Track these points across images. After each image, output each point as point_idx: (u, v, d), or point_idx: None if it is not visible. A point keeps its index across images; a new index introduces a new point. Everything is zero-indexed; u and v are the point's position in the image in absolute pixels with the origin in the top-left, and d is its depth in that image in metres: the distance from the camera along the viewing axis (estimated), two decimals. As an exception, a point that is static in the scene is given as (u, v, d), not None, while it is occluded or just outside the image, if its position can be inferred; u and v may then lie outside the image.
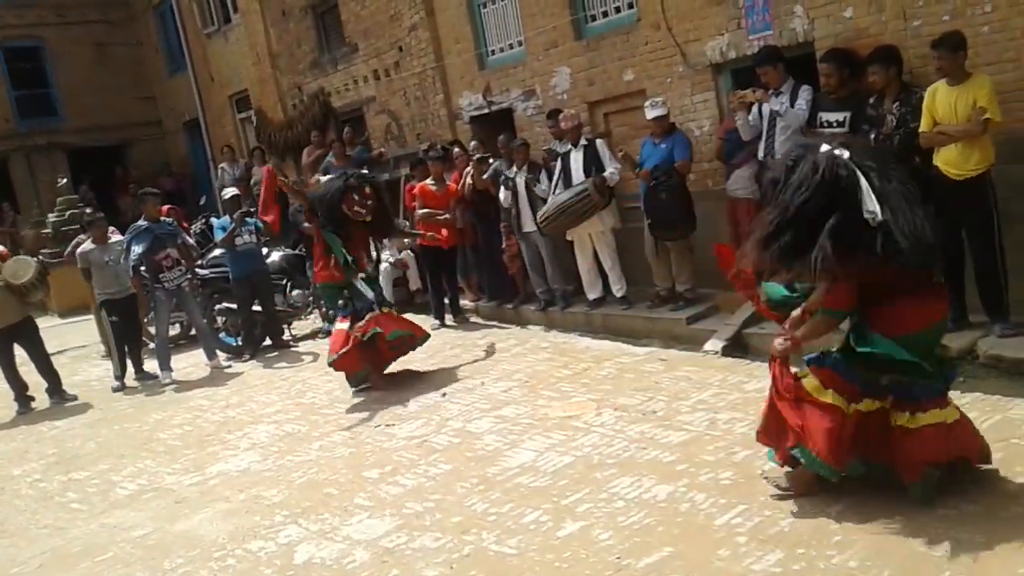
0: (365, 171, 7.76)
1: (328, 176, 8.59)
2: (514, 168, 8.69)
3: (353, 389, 7.37)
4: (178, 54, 19.03)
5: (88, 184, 18.37)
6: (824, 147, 3.75)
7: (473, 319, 9.63)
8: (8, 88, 19.70)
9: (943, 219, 5.63)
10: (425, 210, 9.27)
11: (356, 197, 7.10)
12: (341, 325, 7.29)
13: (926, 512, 3.76)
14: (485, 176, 8.93)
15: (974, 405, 4.87)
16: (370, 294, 7.27)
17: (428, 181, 9.42)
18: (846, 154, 3.69)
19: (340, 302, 7.36)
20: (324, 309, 9.60)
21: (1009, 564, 3.29)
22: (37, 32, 20.01)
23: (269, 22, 14.67)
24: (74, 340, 11.53)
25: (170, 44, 19.74)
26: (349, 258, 7.19)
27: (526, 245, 8.85)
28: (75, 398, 8.68)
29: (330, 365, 7.26)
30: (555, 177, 8.24)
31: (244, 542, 4.75)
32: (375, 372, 7.40)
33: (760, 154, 6.93)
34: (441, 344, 8.61)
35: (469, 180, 9.18)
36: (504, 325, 9.13)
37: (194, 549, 4.76)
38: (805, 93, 6.59)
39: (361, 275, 7.34)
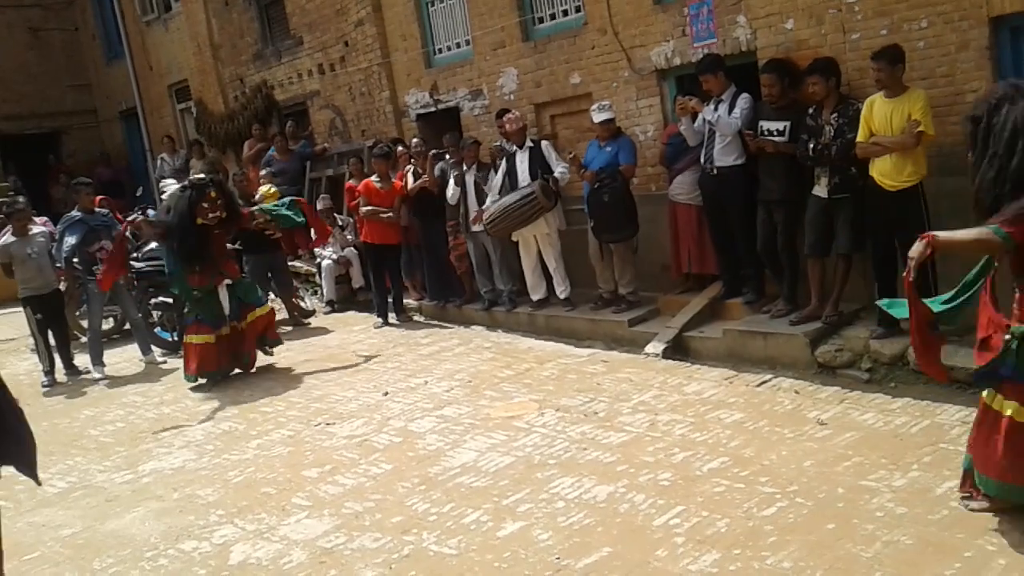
0: (201, 176, 7.86)
1: (171, 194, 8.28)
2: (463, 166, 8.68)
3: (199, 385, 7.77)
4: (116, 41, 18.53)
5: (18, 173, 17.78)
6: None
7: (417, 318, 9.60)
8: (-64, 72, 18.97)
9: (877, 228, 5.85)
10: (369, 207, 9.19)
11: (205, 205, 7.44)
12: (193, 337, 7.72)
13: (857, 514, 3.86)
14: (435, 174, 8.90)
15: (904, 410, 5.03)
16: (227, 307, 7.69)
17: (373, 178, 9.34)
18: None
19: (196, 299, 7.71)
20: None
21: (938, 565, 3.40)
22: (-33, 14, 19.32)
23: (211, 12, 14.38)
24: (1, 333, 11.17)
25: (108, 31, 19.20)
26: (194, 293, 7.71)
27: (474, 244, 8.84)
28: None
29: (192, 378, 7.78)
30: (500, 178, 8.25)
31: (177, 542, 4.66)
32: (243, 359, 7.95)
33: (701, 160, 7.04)
34: (384, 343, 8.56)
35: (411, 178, 9.14)
36: (448, 324, 9.11)
37: (125, 548, 4.65)
38: (742, 102, 6.72)
39: (227, 282, 7.76)
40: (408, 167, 9.32)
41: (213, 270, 7.66)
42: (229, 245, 10.11)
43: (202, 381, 7.78)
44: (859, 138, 5.82)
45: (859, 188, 5.98)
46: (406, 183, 9.18)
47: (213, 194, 7.48)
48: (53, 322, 8.63)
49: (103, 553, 4.64)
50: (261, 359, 8.18)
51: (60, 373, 8.74)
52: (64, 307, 8.72)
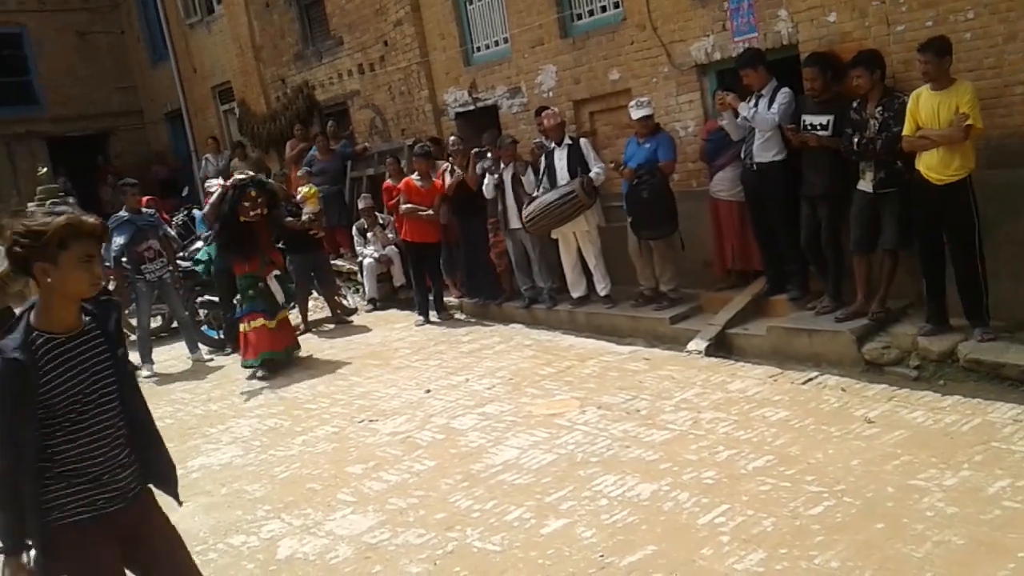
0: (242, 176, 8.24)
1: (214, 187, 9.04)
2: (501, 165, 8.69)
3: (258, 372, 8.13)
4: (160, 44, 18.86)
5: (67, 174, 18.16)
6: None
7: (457, 316, 9.64)
8: (-13, 75, 19.46)
9: (925, 223, 5.76)
10: (409, 205, 9.25)
11: (247, 203, 7.87)
12: (247, 325, 8.13)
13: (907, 514, 3.81)
14: (476, 171, 8.94)
15: (954, 408, 4.95)
16: (280, 296, 8.22)
17: (413, 176, 9.39)
18: None
19: (251, 292, 8.10)
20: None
21: (991, 565, 3.34)
22: (18, 19, 19.73)
23: (252, 14, 14.56)
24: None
25: (152, 33, 19.54)
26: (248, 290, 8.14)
27: (512, 242, 8.85)
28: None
29: (249, 363, 8.18)
30: (540, 175, 8.25)
31: (226, 536, 4.74)
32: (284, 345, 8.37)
33: (741, 155, 6.98)
34: (425, 340, 8.61)
35: (447, 176, 9.16)
36: (488, 322, 9.13)
37: (176, 544, 4.74)
38: (781, 97, 6.64)
39: (276, 272, 8.24)
40: (445, 165, 9.35)
41: (262, 259, 8.10)
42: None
43: (259, 369, 8.15)
44: (905, 132, 5.72)
45: (905, 182, 5.89)
46: (444, 181, 9.22)
47: (253, 193, 7.90)
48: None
49: (154, 547, 4.73)
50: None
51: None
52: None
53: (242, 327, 8.17)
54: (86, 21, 20.48)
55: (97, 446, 2.70)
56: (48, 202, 13.75)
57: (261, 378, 8.02)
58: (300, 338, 9.45)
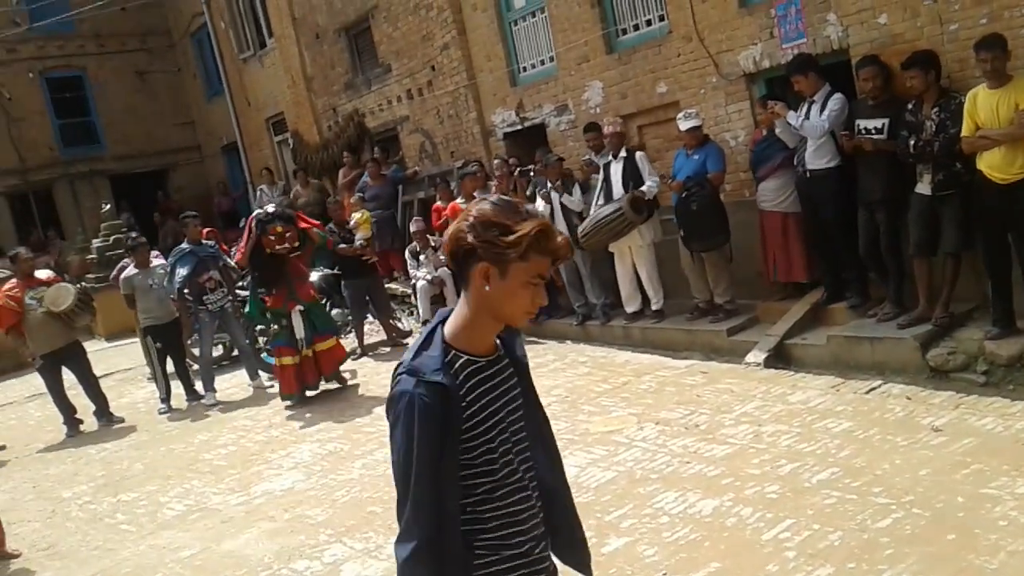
0: (271, 209, 8.23)
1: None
2: (548, 183, 8.70)
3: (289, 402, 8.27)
4: (215, 79, 19.38)
5: (130, 209, 18.72)
6: None
7: (511, 335, 9.62)
8: (52, 117, 20.19)
9: (989, 224, 5.61)
10: None
11: (272, 237, 7.84)
12: (278, 360, 8.30)
13: (979, 524, 3.69)
14: (528, 192, 8.97)
15: (1025, 413, 4.79)
16: (300, 332, 8.07)
17: (459, 200, 9.46)
18: None
19: (275, 327, 8.24)
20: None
21: (1068, 576, 3.22)
22: (78, 62, 20.50)
23: (303, 45, 14.88)
24: (120, 363, 11.74)
25: (207, 69, 20.10)
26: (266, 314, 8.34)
27: (562, 260, 8.83)
28: (122, 420, 8.82)
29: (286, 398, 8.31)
30: (597, 190, 8.23)
31: (290, 561, 4.79)
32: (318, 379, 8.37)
33: (795, 162, 6.89)
34: (480, 360, 8.62)
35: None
36: (542, 340, 9.11)
37: (241, 568, 4.81)
38: (833, 103, 6.53)
39: (299, 307, 8.11)
40: (491, 183, 9.39)
41: (286, 294, 8.06)
42: (327, 271, 10.44)
43: (295, 402, 8.26)
44: (964, 132, 5.59)
45: (964, 184, 5.74)
46: None
47: (279, 228, 7.88)
48: (172, 350, 9.04)
49: (220, 573, 4.81)
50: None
51: (180, 400, 9.11)
52: (181, 336, 9.11)
53: (275, 361, 8.42)
54: (144, 61, 21.17)
55: (520, 508, 2.13)
56: (112, 238, 14.26)
57: (294, 407, 8.20)
58: (356, 362, 9.60)
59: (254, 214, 8.20)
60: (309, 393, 8.36)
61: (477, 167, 9.76)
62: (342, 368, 8.72)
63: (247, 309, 8.98)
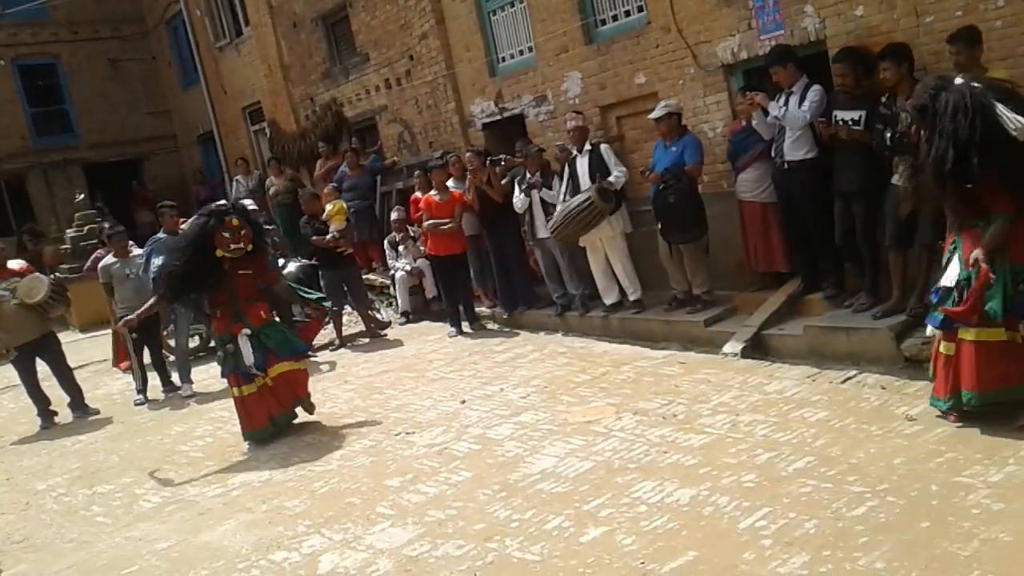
0: (222, 203, 6.95)
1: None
2: (527, 174, 8.70)
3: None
4: (191, 68, 19.18)
5: (104, 199, 18.51)
6: (958, 80, 4.55)
7: (490, 326, 9.64)
8: (24, 106, 19.92)
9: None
10: (430, 221, 9.30)
11: (226, 234, 6.43)
12: (233, 390, 6.75)
13: (952, 511, 3.74)
14: (504, 181, 8.96)
15: (998, 402, 4.84)
16: (250, 359, 6.56)
17: (432, 192, 9.44)
18: (978, 85, 4.46)
19: (220, 353, 6.75)
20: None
21: (1038, 563, 3.27)
22: (51, 49, 20.23)
23: (280, 34, 14.76)
24: (95, 355, 11.62)
25: (183, 58, 19.89)
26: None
27: (541, 251, 8.86)
28: (97, 412, 8.74)
29: (250, 436, 6.76)
30: (564, 182, 8.25)
31: (268, 552, 4.77)
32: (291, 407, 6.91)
33: (772, 154, 6.92)
34: (459, 351, 8.62)
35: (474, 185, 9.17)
36: (521, 331, 9.13)
37: (218, 560, 4.78)
38: (813, 94, 6.58)
39: (246, 331, 6.60)
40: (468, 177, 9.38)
41: (232, 315, 6.63)
42: (305, 261, 10.36)
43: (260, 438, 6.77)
44: (939, 124, 5.63)
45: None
46: (468, 190, 9.23)
47: (235, 222, 6.47)
48: (149, 341, 8.94)
49: (197, 565, 4.77)
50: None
51: (157, 391, 9.02)
52: (159, 327, 9.02)
53: (232, 392, 6.84)
54: (117, 49, 20.92)
55: None
56: (86, 228, 14.10)
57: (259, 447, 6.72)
58: (335, 353, 9.56)
59: (201, 213, 6.77)
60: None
61: (454, 158, 9.72)
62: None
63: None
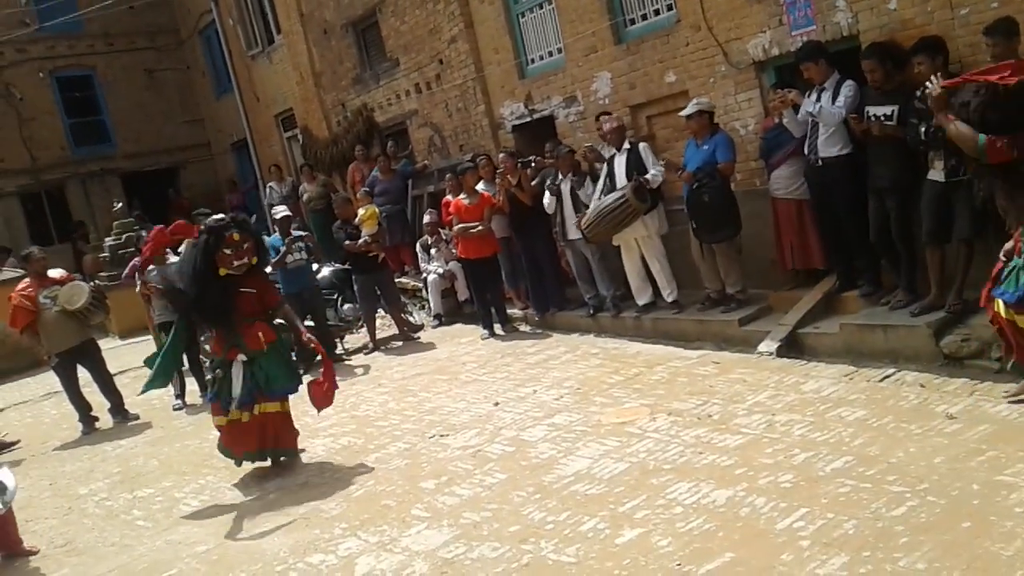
0: (220, 217, 6.53)
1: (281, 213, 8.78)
2: (559, 175, 8.69)
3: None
4: (224, 77, 19.40)
5: (141, 207, 18.77)
6: None
7: (522, 328, 9.64)
8: (62, 117, 20.29)
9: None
10: (460, 225, 9.33)
11: (228, 251, 5.98)
12: (216, 419, 6.34)
13: (994, 511, 3.67)
14: (534, 183, 8.97)
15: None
16: (236, 391, 6.10)
17: (461, 195, 9.46)
18: None
19: (209, 377, 6.36)
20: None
21: (1085, 563, 3.20)
22: (88, 61, 20.60)
23: (311, 41, 14.89)
24: (134, 361, 11.77)
25: (216, 67, 20.13)
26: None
27: (572, 252, 8.84)
28: (137, 417, 8.87)
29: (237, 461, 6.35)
30: (600, 182, 8.22)
31: (305, 555, 4.81)
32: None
33: (805, 151, 6.85)
34: (491, 353, 8.64)
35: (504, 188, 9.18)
36: (553, 332, 9.11)
37: (256, 563, 4.83)
38: (847, 89, 6.49)
39: (242, 358, 6.13)
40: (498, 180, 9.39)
41: (230, 337, 6.17)
42: (338, 265, 10.43)
43: (249, 464, 6.39)
44: (975, 118, 5.54)
45: (976, 170, 5.69)
46: (499, 192, 9.24)
47: (236, 236, 6.01)
48: (187, 347, 9.02)
49: (236, 568, 4.83)
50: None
51: (194, 396, 9.13)
52: (196, 333, 9.11)
53: (213, 419, 6.48)
54: (153, 59, 21.24)
55: None
56: (124, 236, 14.32)
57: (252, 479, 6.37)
58: (368, 357, 9.61)
59: (209, 221, 6.49)
60: (257, 463, 6.40)
61: (484, 160, 9.74)
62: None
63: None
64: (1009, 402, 4.83)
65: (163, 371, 6.59)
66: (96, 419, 8.86)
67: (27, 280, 8.78)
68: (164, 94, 21.21)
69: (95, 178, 20.38)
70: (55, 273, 8.95)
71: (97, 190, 20.18)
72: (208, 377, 6.25)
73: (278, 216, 10.01)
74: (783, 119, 6.97)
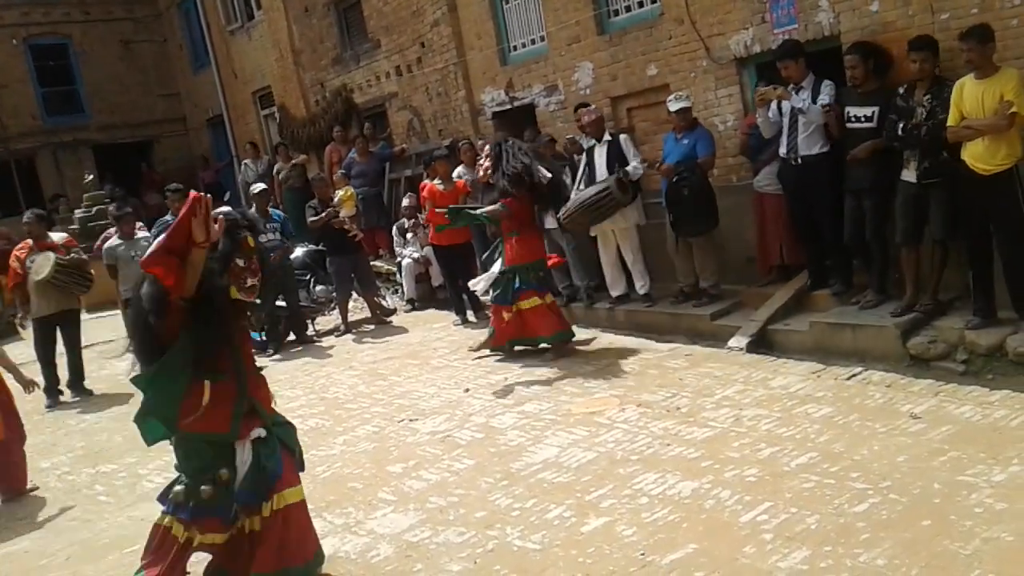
0: (230, 211, 4.07)
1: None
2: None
3: None
4: (202, 51, 19.17)
5: (113, 180, 18.52)
6: None
7: (495, 315, 9.62)
8: (35, 85, 19.92)
9: (971, 214, 5.63)
10: (437, 209, 9.28)
11: (241, 262, 3.79)
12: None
13: (954, 510, 3.73)
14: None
15: (1003, 402, 4.84)
16: (248, 483, 3.87)
17: (435, 181, 9.41)
18: None
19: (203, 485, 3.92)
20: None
21: (1040, 563, 3.26)
22: (63, 29, 20.22)
23: (292, 19, 14.73)
24: (101, 335, 11.65)
25: (194, 41, 19.87)
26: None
27: (548, 242, 8.82)
28: (91, 393, 8.77)
29: None
30: (579, 173, 8.21)
31: (269, 536, 4.77)
32: None
33: (783, 151, 6.88)
34: (464, 340, 8.62)
35: (481, 172, 9.14)
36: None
37: (220, 542, 4.79)
38: (827, 89, 6.54)
39: (259, 432, 3.93)
40: (481, 162, 9.33)
41: (238, 395, 3.90)
42: (312, 246, 10.33)
43: None
44: (949, 122, 5.61)
45: (951, 173, 5.76)
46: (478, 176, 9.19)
47: (251, 241, 3.86)
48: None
49: (199, 546, 4.78)
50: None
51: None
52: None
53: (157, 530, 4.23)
54: (130, 30, 20.91)
55: None
56: (95, 209, 14.12)
57: None
58: (339, 339, 9.56)
59: (221, 212, 3.83)
60: None
61: (466, 144, 9.69)
62: None
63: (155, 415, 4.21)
64: None
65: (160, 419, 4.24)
66: (61, 393, 8.74)
67: (28, 241, 8.69)
68: (140, 66, 20.89)
69: (67, 148, 20.03)
70: (56, 236, 8.88)
71: (69, 161, 19.84)
72: (178, 488, 4.09)
73: (256, 191, 9.92)
74: (758, 119, 6.99)
